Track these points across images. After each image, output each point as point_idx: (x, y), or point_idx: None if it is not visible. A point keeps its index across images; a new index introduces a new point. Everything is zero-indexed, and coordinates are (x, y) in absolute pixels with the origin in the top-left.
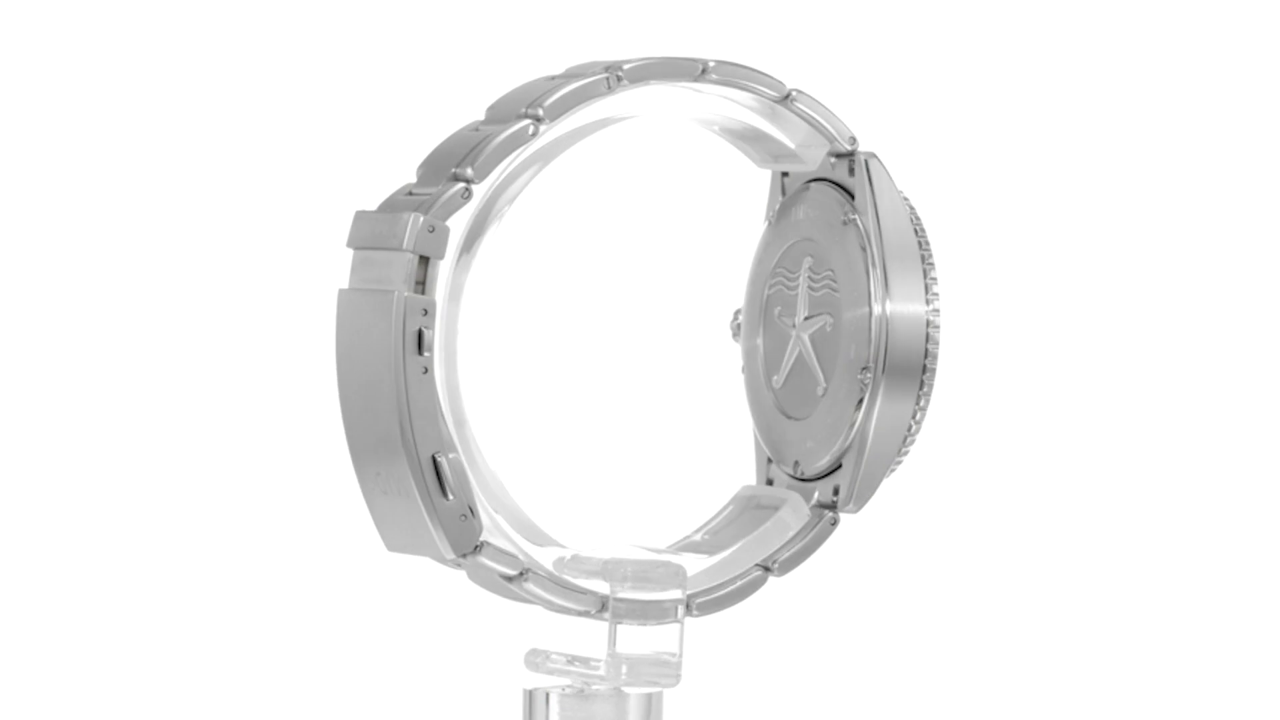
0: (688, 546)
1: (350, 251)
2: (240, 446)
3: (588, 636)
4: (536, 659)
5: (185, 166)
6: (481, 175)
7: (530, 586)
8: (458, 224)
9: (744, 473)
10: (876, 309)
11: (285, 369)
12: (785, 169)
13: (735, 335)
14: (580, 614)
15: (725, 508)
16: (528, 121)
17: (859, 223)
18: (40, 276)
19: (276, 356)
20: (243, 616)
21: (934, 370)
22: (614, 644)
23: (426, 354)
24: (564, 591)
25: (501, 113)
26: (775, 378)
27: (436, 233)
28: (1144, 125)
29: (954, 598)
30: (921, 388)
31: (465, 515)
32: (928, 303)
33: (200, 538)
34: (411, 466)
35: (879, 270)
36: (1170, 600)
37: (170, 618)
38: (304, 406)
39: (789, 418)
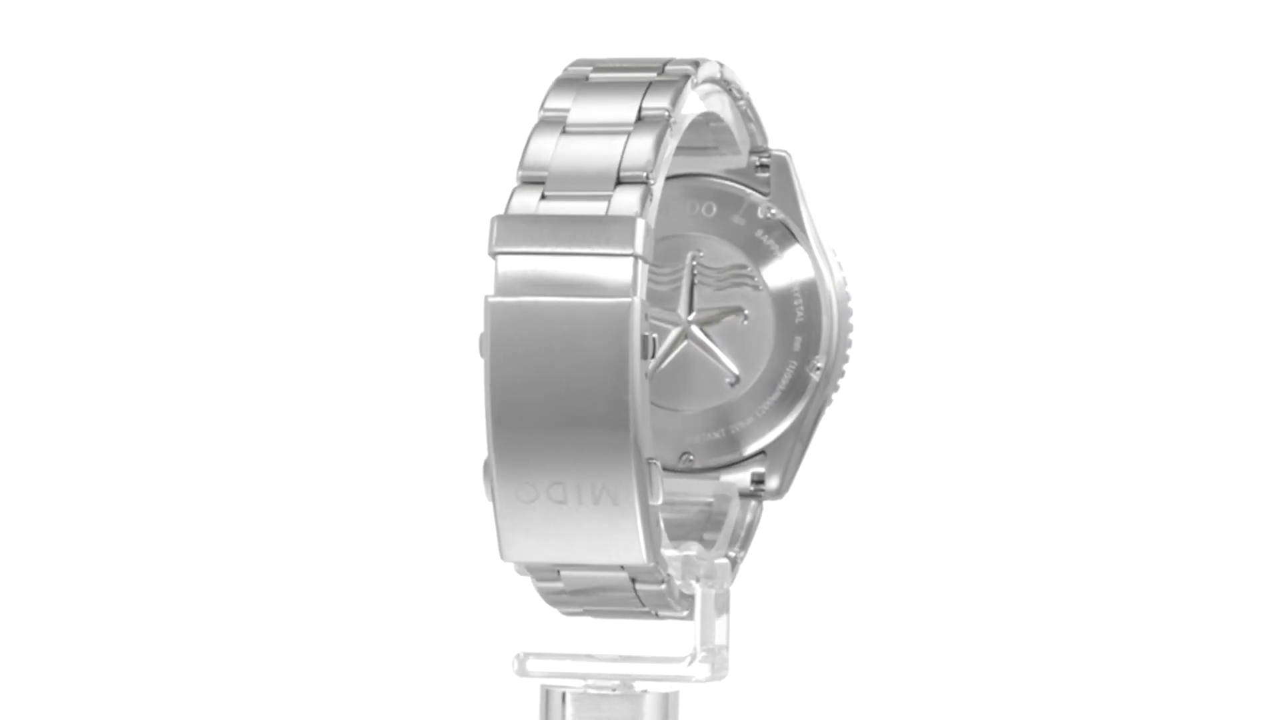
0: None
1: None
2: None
3: (626, 637)
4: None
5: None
6: (657, 175)
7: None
8: None
9: None
10: (824, 303)
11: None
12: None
13: None
14: None
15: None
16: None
17: (785, 221)
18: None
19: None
20: (280, 620)
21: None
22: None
23: (649, 359)
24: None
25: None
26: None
27: (650, 235)
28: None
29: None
30: (841, 376)
31: (658, 519)
32: (849, 296)
33: (217, 540)
34: (638, 472)
35: (812, 263)
36: (1108, 575)
37: (212, 623)
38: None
39: (666, 409)
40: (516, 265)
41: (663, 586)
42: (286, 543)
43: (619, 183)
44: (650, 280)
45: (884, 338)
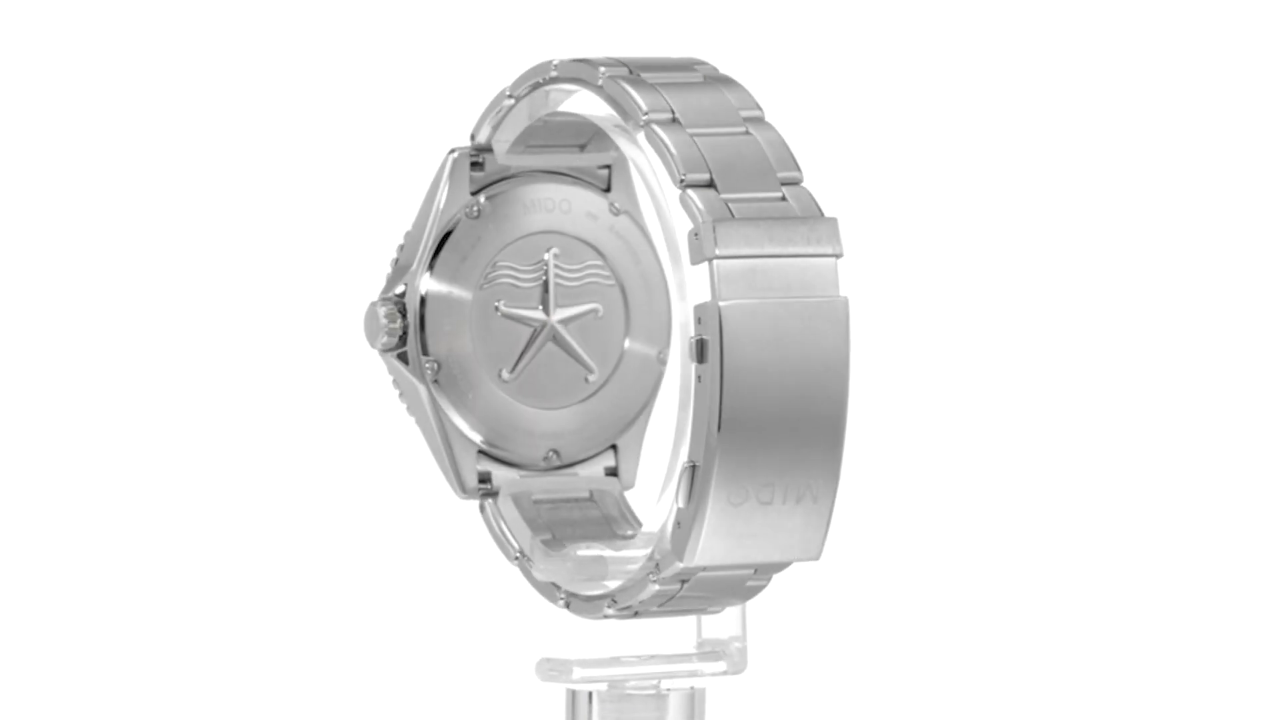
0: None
1: None
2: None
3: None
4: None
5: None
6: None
7: None
8: None
9: None
10: (673, 295)
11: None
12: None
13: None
14: None
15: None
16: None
17: (631, 215)
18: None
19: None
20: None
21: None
22: None
23: None
24: None
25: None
26: (504, 371)
27: None
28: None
29: None
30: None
31: None
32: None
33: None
34: (838, 470)
35: (653, 255)
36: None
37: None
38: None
39: (542, 409)
40: (737, 268)
41: (765, 583)
42: (278, 548)
43: (781, 182)
44: (512, 279)
45: (882, 337)
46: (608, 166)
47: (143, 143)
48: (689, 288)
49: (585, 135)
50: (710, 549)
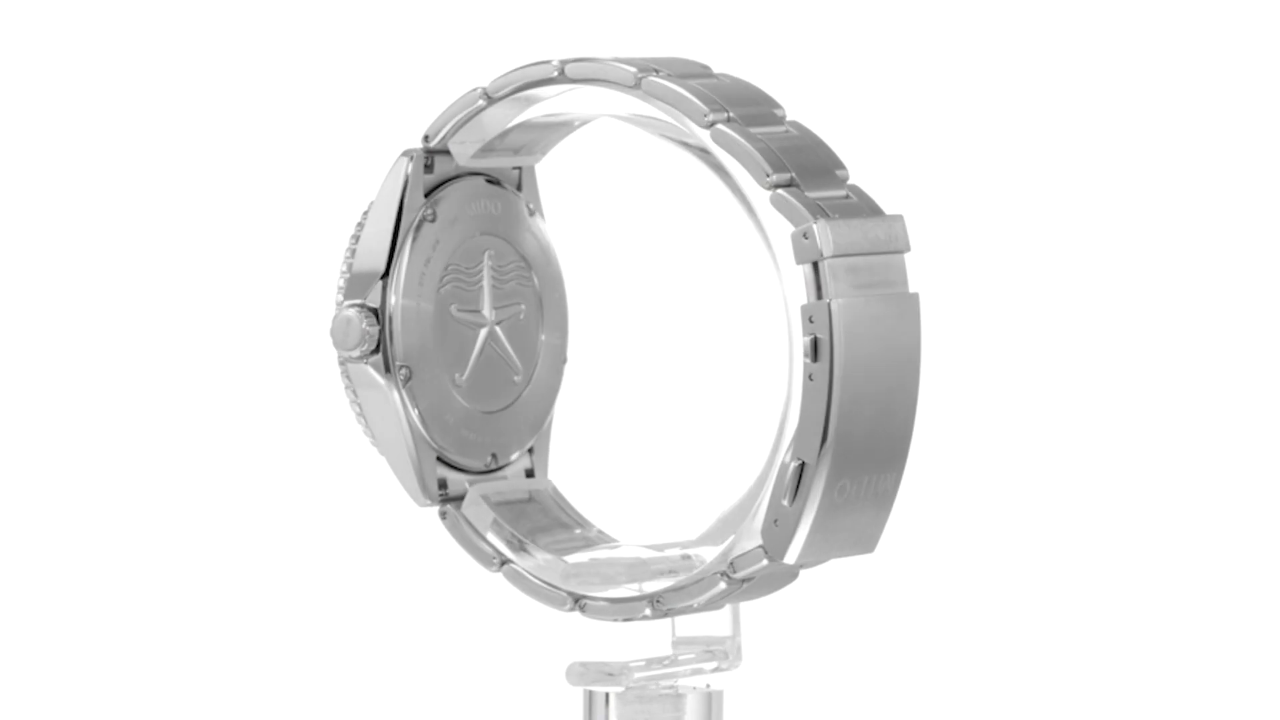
0: None
1: None
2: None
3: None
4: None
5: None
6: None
7: None
8: None
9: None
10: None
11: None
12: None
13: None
14: None
15: None
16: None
17: (540, 214)
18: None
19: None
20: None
21: None
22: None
23: None
24: None
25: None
26: (458, 375)
27: None
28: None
29: None
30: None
31: None
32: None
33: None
34: None
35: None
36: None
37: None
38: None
39: (485, 412)
40: (842, 266)
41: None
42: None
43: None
44: (461, 282)
45: None
46: (518, 168)
47: (89, 139)
48: (788, 287)
49: (540, 139)
50: (810, 547)
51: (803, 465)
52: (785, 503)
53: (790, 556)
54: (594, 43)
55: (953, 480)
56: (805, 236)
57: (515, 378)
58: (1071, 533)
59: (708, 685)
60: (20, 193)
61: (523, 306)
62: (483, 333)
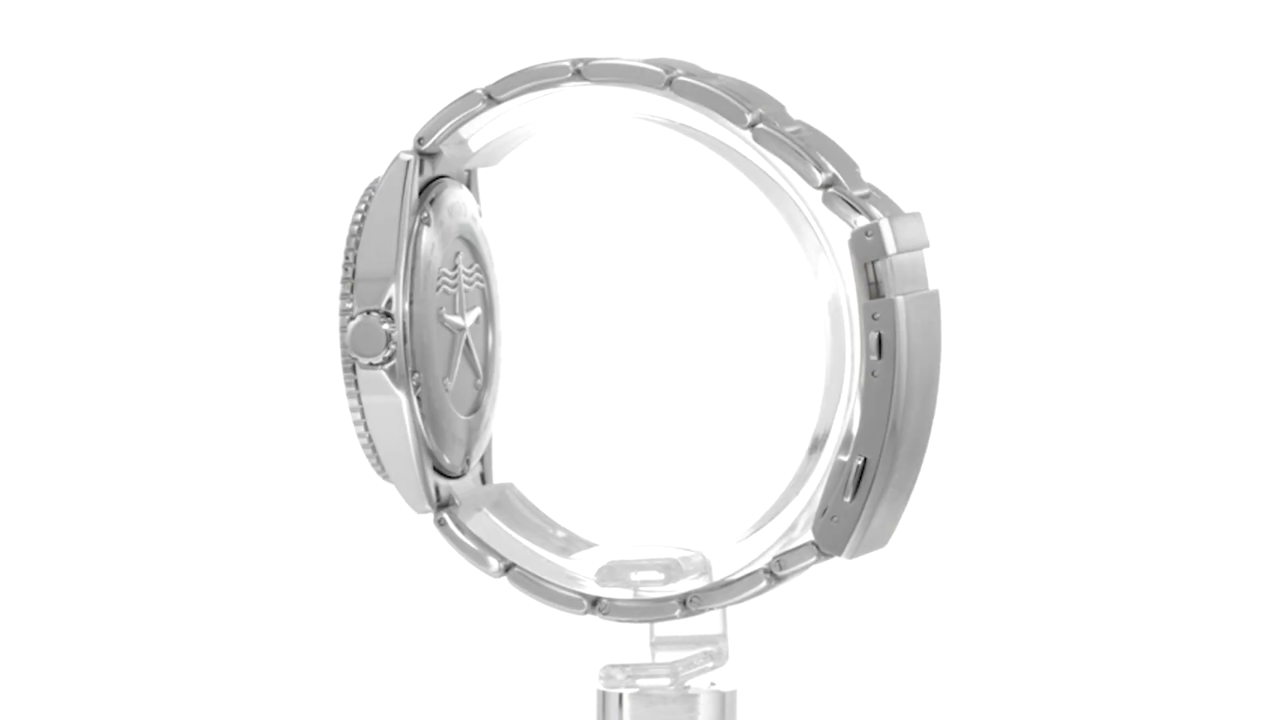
0: None
1: None
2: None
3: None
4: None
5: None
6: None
7: None
8: None
9: None
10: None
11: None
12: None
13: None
14: None
15: None
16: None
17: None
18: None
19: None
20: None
21: None
22: None
23: None
24: None
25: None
26: (448, 380)
27: None
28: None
29: None
30: None
31: None
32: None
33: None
34: None
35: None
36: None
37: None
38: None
39: (463, 417)
40: (900, 263)
41: None
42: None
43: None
44: (446, 286)
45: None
46: (470, 170)
47: (88, 139)
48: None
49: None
50: (867, 543)
51: (865, 461)
52: (846, 499)
53: (850, 553)
54: (565, 45)
55: (952, 480)
56: (868, 235)
57: (477, 381)
58: (1071, 533)
59: (712, 684)
60: (17, 193)
61: (479, 310)
62: (463, 337)
